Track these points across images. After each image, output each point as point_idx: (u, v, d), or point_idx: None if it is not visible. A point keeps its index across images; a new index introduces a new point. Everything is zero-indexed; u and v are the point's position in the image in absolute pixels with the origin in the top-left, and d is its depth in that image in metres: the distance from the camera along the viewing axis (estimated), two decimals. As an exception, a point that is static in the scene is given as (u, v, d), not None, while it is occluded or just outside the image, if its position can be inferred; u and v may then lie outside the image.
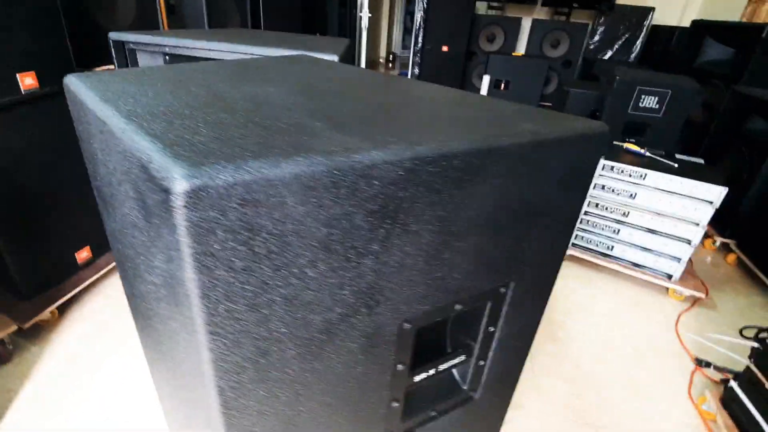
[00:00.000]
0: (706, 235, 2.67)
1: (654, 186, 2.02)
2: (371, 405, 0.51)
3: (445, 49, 5.10)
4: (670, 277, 2.12)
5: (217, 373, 0.37)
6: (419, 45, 5.51)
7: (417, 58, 5.66)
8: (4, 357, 1.50)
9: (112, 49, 1.17)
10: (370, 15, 5.70)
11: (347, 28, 5.25)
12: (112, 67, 1.95)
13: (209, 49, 1.07)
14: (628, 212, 2.13)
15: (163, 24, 2.23)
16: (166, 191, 0.26)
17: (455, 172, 0.38)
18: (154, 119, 0.37)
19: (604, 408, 1.52)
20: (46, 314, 1.60)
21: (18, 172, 1.45)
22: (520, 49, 5.59)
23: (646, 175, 2.02)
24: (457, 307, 0.51)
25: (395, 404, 0.55)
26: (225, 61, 0.73)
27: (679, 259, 2.07)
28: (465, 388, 0.65)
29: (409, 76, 6.27)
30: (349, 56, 1.29)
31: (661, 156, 2.18)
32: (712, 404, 1.47)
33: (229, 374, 0.38)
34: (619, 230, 2.18)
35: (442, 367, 0.61)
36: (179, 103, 0.43)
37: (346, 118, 0.42)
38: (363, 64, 6.20)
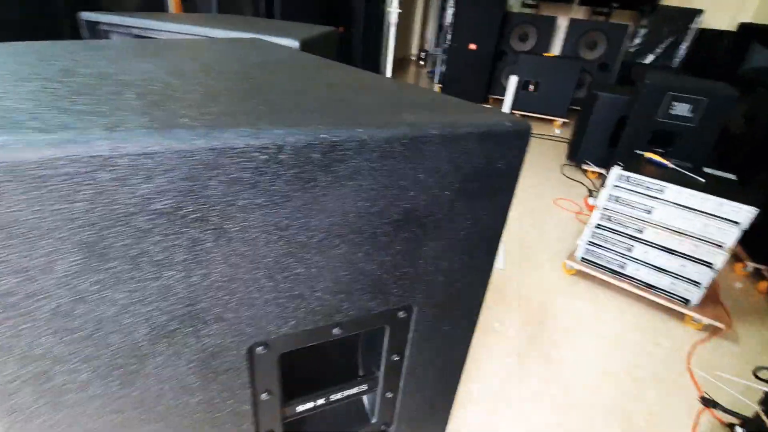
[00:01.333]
0: (737, 259, 2.44)
1: (673, 201, 1.84)
2: None
3: (472, 47, 4.94)
4: (687, 302, 1.93)
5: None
6: (447, 42, 5.36)
7: (446, 56, 5.52)
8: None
9: (85, 29, 1.14)
10: (400, 11, 5.61)
11: (374, 23, 5.17)
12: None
13: (170, 31, 1.02)
14: (644, 228, 1.95)
15: (174, 9, 2.23)
16: None
17: (288, 168, 0.30)
18: None
19: (590, 442, 1.38)
20: None
21: None
22: (555, 50, 5.35)
23: (665, 188, 1.84)
24: (336, 331, 0.43)
25: None
26: (151, 40, 0.68)
27: (698, 284, 1.88)
28: (374, 420, 0.57)
29: (436, 75, 6.13)
30: (326, 44, 1.21)
31: (686, 169, 1.98)
32: (714, 451, 1.31)
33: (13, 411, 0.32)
34: (632, 247, 2.01)
35: (334, 397, 0.53)
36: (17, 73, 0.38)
37: (181, 97, 0.35)
38: (389, 63, 6.12)
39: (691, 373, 1.70)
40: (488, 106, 0.49)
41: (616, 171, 1.95)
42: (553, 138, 4.49)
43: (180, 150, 0.26)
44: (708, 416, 1.51)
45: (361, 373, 0.57)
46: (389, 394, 0.55)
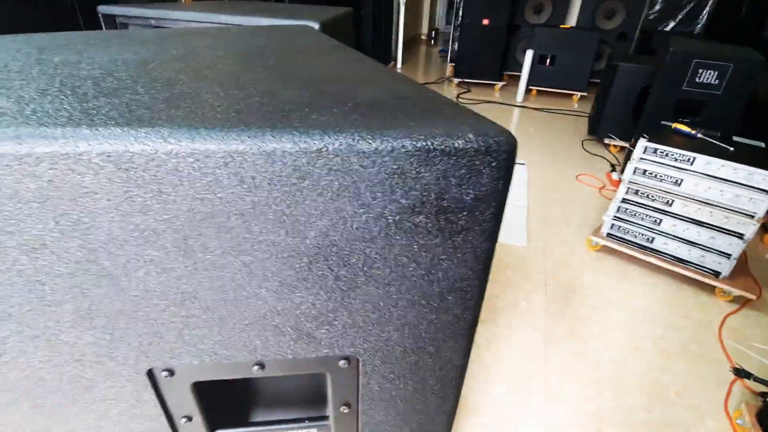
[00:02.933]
0: (765, 229, 2.37)
1: (703, 172, 1.78)
2: None
3: (485, 22, 4.80)
4: (717, 274, 1.89)
5: None
6: (459, 19, 5.23)
7: (458, 34, 5.39)
8: None
9: (102, 23, 1.15)
10: (409, -11, 5.47)
11: (383, 3, 5.07)
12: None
13: (188, 20, 1.02)
14: (672, 201, 1.90)
15: None
16: None
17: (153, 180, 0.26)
18: None
19: (621, 414, 1.39)
20: None
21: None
22: (571, 21, 5.16)
23: (694, 159, 1.79)
24: (255, 369, 0.39)
25: None
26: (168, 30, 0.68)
27: (728, 255, 1.83)
28: None
29: (448, 53, 5.99)
30: (346, 25, 1.20)
31: (715, 138, 1.92)
32: (747, 419, 1.30)
33: None
34: (660, 221, 1.97)
35: None
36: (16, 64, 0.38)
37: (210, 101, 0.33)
38: (400, 42, 6.00)
39: (722, 344, 1.68)
40: (467, 108, 0.36)
41: (642, 143, 1.89)
42: (572, 113, 4.38)
43: None
44: (740, 386, 1.50)
45: (311, 415, 0.52)
46: None
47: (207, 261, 0.30)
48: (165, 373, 0.37)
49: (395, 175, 0.28)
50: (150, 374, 0.37)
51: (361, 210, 0.30)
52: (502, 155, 0.29)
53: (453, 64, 5.53)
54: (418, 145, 0.28)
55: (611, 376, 1.52)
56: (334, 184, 0.28)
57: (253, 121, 0.27)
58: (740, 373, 1.44)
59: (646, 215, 2.00)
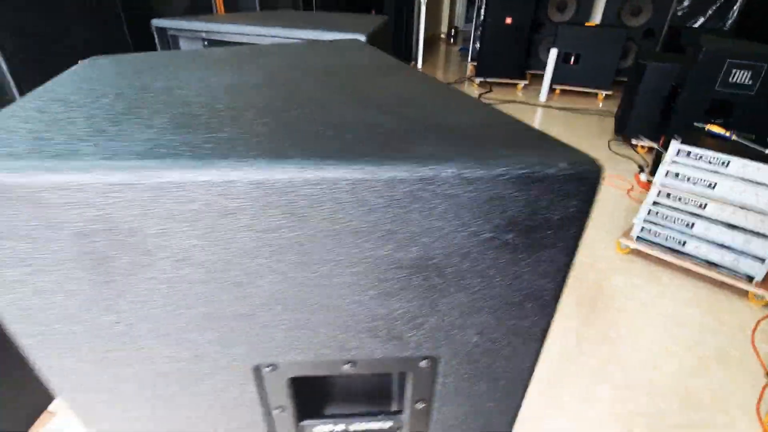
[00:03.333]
0: (805, 233, 2.31)
1: (738, 175, 1.76)
2: None
3: (508, 21, 4.78)
4: (751, 279, 1.86)
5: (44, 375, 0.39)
6: (481, 17, 5.21)
7: (479, 33, 5.38)
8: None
9: (155, 36, 1.22)
10: (430, -11, 5.47)
11: (404, 3, 5.09)
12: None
13: (240, 33, 1.07)
14: (706, 204, 1.88)
15: (217, 7, 2.29)
16: None
17: (281, 207, 0.30)
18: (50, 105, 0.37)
19: (653, 417, 1.39)
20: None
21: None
22: (595, 19, 5.09)
23: (729, 162, 1.77)
24: (346, 368, 0.43)
25: None
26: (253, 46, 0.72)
27: (763, 260, 1.81)
28: None
29: (469, 52, 5.98)
30: (386, 34, 1.24)
31: (750, 140, 1.89)
32: (787, 428, 1.29)
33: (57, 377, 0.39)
34: (693, 224, 1.95)
35: (354, 428, 0.53)
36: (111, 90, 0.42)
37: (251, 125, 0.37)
38: (420, 41, 6.01)
39: (756, 349, 1.66)
40: (548, 135, 0.40)
41: (675, 145, 1.88)
42: (597, 112, 4.33)
43: (159, 182, 0.29)
44: (776, 393, 1.48)
45: (390, 409, 0.55)
46: None
47: (322, 271, 0.34)
48: (268, 368, 0.42)
49: (493, 199, 0.32)
50: (256, 369, 0.41)
51: (459, 229, 0.33)
52: (591, 182, 0.32)
53: (474, 63, 5.51)
54: (518, 173, 0.31)
55: (643, 379, 1.53)
56: (440, 206, 0.32)
57: (370, 152, 0.31)
58: (777, 378, 1.43)
59: (678, 218, 1.98)
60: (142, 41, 1.87)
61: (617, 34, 4.40)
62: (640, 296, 1.93)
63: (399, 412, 0.52)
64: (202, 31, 1.15)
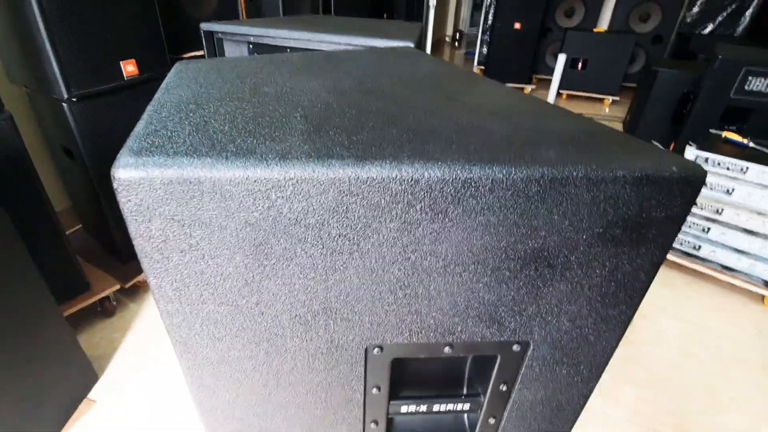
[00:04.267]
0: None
1: (756, 181, 1.80)
2: (346, 419, 0.52)
3: (517, 26, 4.83)
4: (767, 284, 1.90)
5: (179, 351, 0.42)
6: (489, 22, 5.26)
7: (486, 37, 5.42)
8: (110, 311, 1.72)
9: (203, 38, 1.25)
10: (439, -7, 5.53)
11: (414, 7, 5.14)
12: (199, 53, 2.09)
13: (289, 38, 1.11)
14: (722, 209, 1.92)
15: (242, 12, 2.33)
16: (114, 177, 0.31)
17: (421, 199, 0.34)
18: (180, 106, 0.41)
19: (678, 417, 1.43)
20: (143, 276, 1.81)
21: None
22: (603, 25, 5.14)
23: (747, 168, 1.81)
24: (447, 350, 0.47)
25: (373, 425, 0.55)
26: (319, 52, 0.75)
27: (780, 265, 1.84)
28: None
29: (476, 56, 6.03)
30: (422, 40, 1.28)
31: (767, 147, 1.93)
32: (809, 428, 1.32)
33: (190, 353, 0.42)
34: (709, 229, 1.98)
35: (437, 407, 0.57)
36: (223, 93, 0.46)
37: (337, 122, 0.40)
38: (428, 45, 6.06)
39: (774, 353, 1.70)
40: (649, 143, 0.44)
41: (692, 151, 1.92)
42: (604, 118, 4.37)
43: (330, 178, 0.32)
44: (795, 396, 1.52)
45: (465, 392, 0.59)
46: (491, 420, 0.57)
47: (447, 260, 0.38)
48: (377, 350, 0.45)
49: (610, 198, 0.35)
50: (366, 351, 0.45)
51: (576, 224, 0.37)
52: (696, 185, 0.36)
53: (481, 67, 5.56)
54: (635, 175, 0.35)
55: (666, 380, 1.56)
56: (563, 204, 0.35)
57: (503, 155, 0.35)
58: (798, 380, 1.46)
59: (694, 223, 2.02)
60: (176, 41, 1.90)
61: (625, 40, 4.44)
62: (657, 300, 1.96)
63: (477, 395, 0.56)
64: (249, 35, 1.19)
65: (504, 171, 0.33)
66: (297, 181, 0.32)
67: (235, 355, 0.43)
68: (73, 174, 1.76)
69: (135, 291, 1.84)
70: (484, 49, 5.49)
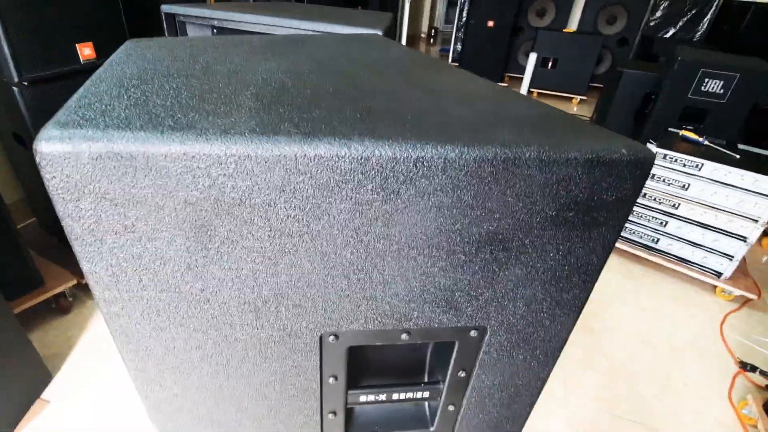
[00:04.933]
0: (764, 233, 2.49)
1: (710, 177, 1.89)
2: (302, 410, 0.51)
3: (490, 24, 4.89)
4: (719, 275, 2.00)
5: (120, 342, 0.40)
6: (463, 19, 5.30)
7: (460, 34, 5.47)
8: (65, 308, 1.63)
9: (164, 22, 1.20)
10: (414, -13, 5.51)
11: (388, 2, 5.12)
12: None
13: (254, 23, 1.07)
14: (679, 204, 2.01)
15: (210, -4, 2.25)
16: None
17: (372, 178, 0.32)
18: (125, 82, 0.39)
19: (635, 402, 1.49)
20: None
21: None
22: (573, 25, 5.27)
23: (702, 165, 1.89)
24: (404, 337, 0.46)
25: (331, 416, 0.54)
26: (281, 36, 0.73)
27: (731, 257, 1.95)
28: (432, 429, 0.60)
29: (450, 53, 6.07)
30: (392, 31, 1.26)
31: (721, 146, 2.03)
32: (753, 409, 1.40)
33: (132, 343, 0.41)
34: (666, 222, 2.07)
35: (396, 396, 0.57)
36: (168, 70, 0.44)
37: (289, 100, 0.38)
38: (404, 41, 6.05)
39: (725, 340, 1.79)
40: (603, 127, 0.45)
41: (651, 148, 1.99)
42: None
43: (276, 155, 0.31)
44: (742, 380, 1.61)
45: (425, 380, 0.58)
46: (451, 407, 0.57)
47: (401, 243, 0.37)
48: (332, 338, 0.44)
49: (563, 180, 0.36)
50: (320, 339, 0.44)
51: (530, 206, 0.37)
52: (646, 167, 0.36)
53: (455, 64, 5.60)
54: (587, 157, 0.35)
55: (624, 367, 1.62)
56: (517, 185, 0.35)
57: (458, 136, 0.34)
58: (746, 366, 1.55)
59: (653, 217, 2.10)
60: (136, 25, 1.82)
61: (593, 41, 4.57)
62: (617, 290, 2.04)
63: (437, 382, 0.56)
64: (213, 19, 1.14)
65: (457, 150, 0.33)
66: (240, 158, 0.30)
67: (181, 346, 0.41)
68: (25, 164, 1.66)
69: (93, 286, 1.76)
70: (459, 46, 5.53)
